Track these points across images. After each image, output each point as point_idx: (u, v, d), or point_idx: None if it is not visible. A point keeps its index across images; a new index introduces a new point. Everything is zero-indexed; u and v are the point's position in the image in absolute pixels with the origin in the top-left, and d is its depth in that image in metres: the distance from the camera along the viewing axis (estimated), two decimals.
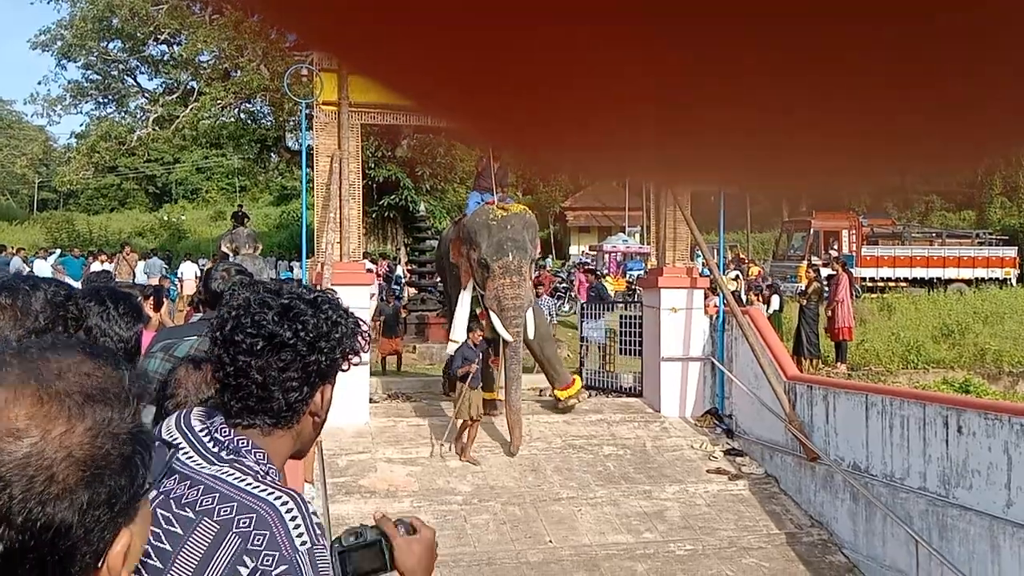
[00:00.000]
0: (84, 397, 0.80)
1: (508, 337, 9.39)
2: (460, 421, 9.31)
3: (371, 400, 10.69)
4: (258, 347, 1.45)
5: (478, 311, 9.91)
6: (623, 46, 0.29)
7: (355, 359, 1.56)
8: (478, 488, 8.94)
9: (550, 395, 10.95)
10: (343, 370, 1.57)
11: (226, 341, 1.47)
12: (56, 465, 0.76)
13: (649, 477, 9.62)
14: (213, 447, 1.47)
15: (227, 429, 1.49)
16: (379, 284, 19.11)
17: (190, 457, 1.46)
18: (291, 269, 19.74)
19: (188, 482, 1.41)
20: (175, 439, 1.49)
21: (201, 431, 1.49)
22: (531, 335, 9.82)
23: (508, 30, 0.29)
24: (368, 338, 1.61)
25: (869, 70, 0.29)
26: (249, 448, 1.47)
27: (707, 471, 9.91)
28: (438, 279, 17.09)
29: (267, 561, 1.34)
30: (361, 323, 1.60)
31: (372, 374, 13.01)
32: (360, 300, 10.23)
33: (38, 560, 0.75)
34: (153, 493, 1.40)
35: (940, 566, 7.58)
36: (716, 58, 0.29)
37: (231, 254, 14.98)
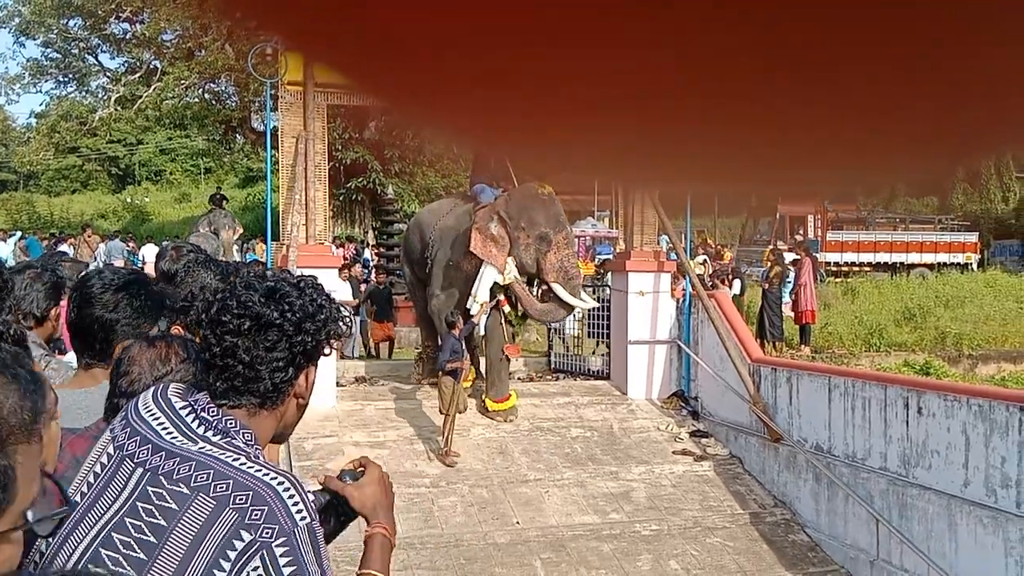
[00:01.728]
0: None
1: (581, 303, 9.64)
2: (448, 416, 9.01)
3: (338, 383, 10.63)
4: (245, 327, 1.46)
5: (500, 297, 9.70)
6: (600, 42, 0.28)
7: (337, 343, 1.59)
8: (445, 471, 8.94)
9: (480, 400, 10.25)
10: (325, 354, 1.59)
11: (212, 322, 1.47)
12: None
13: (616, 458, 9.69)
14: (198, 426, 1.46)
15: (214, 409, 1.48)
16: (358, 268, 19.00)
17: (171, 435, 1.45)
18: (253, 251, 19.52)
19: (177, 459, 1.40)
20: (153, 414, 1.48)
21: (183, 408, 1.48)
22: (591, 303, 10.12)
23: (479, 23, 0.28)
24: (350, 324, 1.62)
25: (853, 69, 0.29)
26: (238, 428, 1.47)
27: (673, 452, 10.00)
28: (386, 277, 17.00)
29: (266, 533, 1.35)
30: (343, 309, 1.62)
31: (359, 357, 12.99)
32: (326, 282, 10.15)
33: None
34: (139, 471, 1.40)
35: (900, 544, 7.74)
36: (696, 57, 0.28)
37: (212, 235, 14.78)
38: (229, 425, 1.47)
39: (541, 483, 8.97)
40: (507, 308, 9.72)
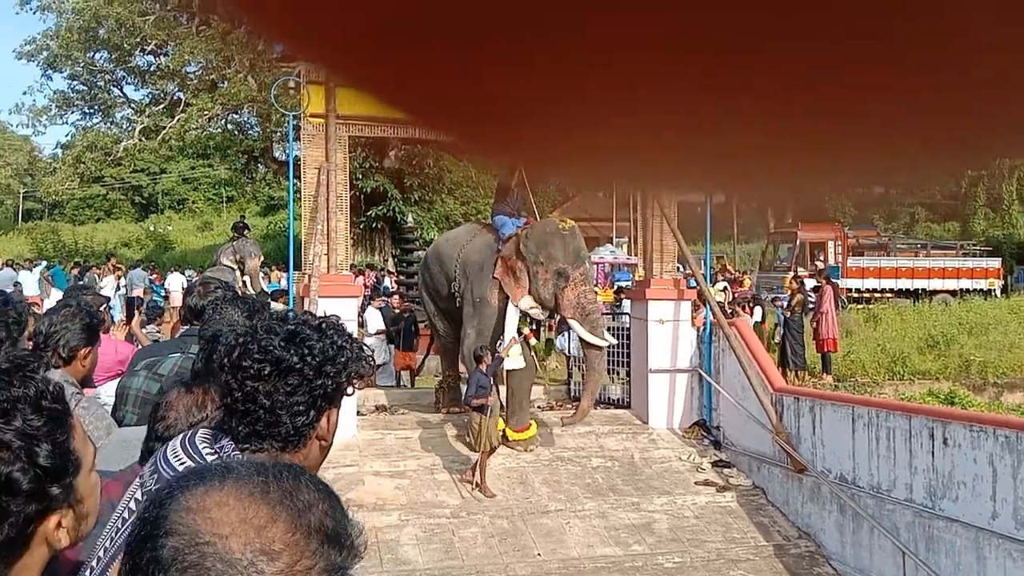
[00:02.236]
0: (325, 536, 0.82)
1: (600, 342, 9.42)
2: (484, 453, 8.96)
3: (358, 412, 10.64)
4: (265, 372, 1.47)
5: (526, 330, 9.75)
6: (616, 52, 0.29)
7: (359, 383, 1.58)
8: (466, 501, 8.91)
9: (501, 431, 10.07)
10: (348, 394, 1.59)
11: (234, 367, 1.49)
12: None
13: (637, 489, 9.62)
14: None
15: (238, 455, 1.49)
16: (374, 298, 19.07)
17: None
18: (279, 280, 19.64)
19: None
20: (180, 460, 1.49)
21: (209, 454, 1.49)
22: (611, 340, 10.02)
23: (497, 38, 0.29)
24: (372, 363, 1.63)
25: (855, 77, 0.29)
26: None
27: (695, 483, 9.91)
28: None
29: None
30: (365, 348, 1.62)
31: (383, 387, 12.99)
32: (347, 312, 10.21)
33: None
34: None
35: None
36: (703, 64, 0.29)
37: (235, 267, 14.77)
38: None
39: (562, 514, 8.92)
40: (533, 340, 9.72)
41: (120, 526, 1.46)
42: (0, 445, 1.11)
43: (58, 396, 1.22)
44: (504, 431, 10.03)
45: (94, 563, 1.40)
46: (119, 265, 20.78)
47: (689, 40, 0.28)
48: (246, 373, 1.47)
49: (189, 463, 1.48)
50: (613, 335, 12.36)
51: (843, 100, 0.31)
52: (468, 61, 0.31)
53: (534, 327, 9.73)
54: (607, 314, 14.58)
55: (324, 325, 1.55)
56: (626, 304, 13.32)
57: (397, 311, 14.20)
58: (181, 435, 1.59)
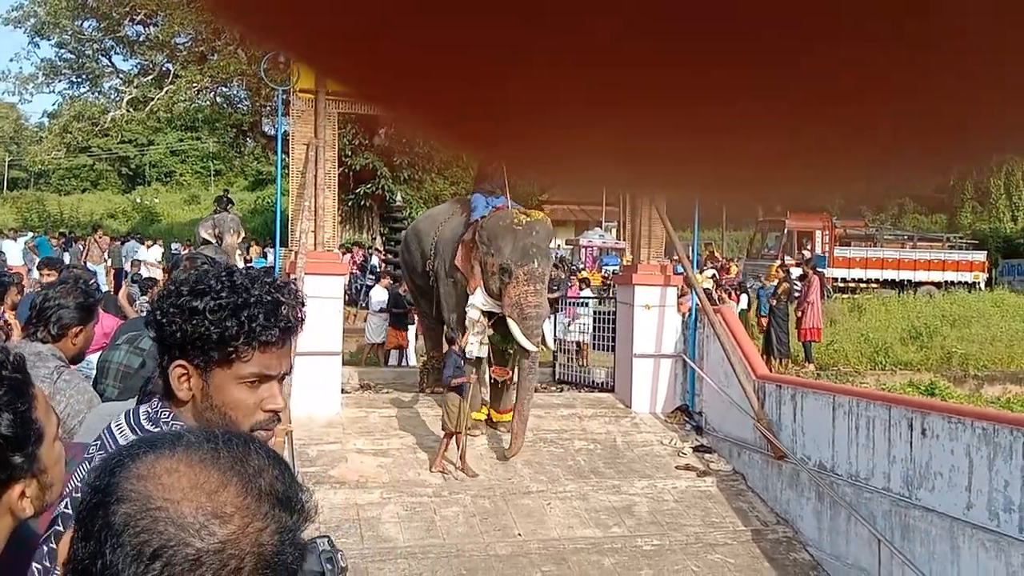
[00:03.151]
0: (276, 500, 0.83)
1: (530, 347, 8.93)
2: (455, 434, 8.87)
3: (343, 390, 10.65)
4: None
5: (486, 320, 9.37)
6: (604, 52, 0.29)
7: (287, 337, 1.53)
8: (448, 480, 8.95)
9: (486, 414, 10.18)
10: (261, 352, 1.50)
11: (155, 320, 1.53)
12: (246, 558, 0.78)
13: (618, 472, 9.68)
14: (150, 426, 1.49)
15: (166, 411, 1.51)
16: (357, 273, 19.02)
17: (125, 437, 1.48)
18: (265, 256, 19.57)
19: None
20: (121, 429, 1.51)
21: (145, 419, 1.51)
22: (551, 344, 9.53)
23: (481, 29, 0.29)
24: (299, 319, 1.56)
25: (846, 76, 0.29)
26: (168, 420, 1.49)
27: (676, 467, 9.99)
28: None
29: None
30: (294, 295, 1.55)
31: (367, 364, 12.99)
32: (333, 290, 10.20)
33: None
34: None
35: (902, 566, 7.71)
36: (690, 65, 0.29)
37: (214, 240, 14.60)
38: (161, 417, 1.49)
39: (543, 495, 8.97)
40: (490, 331, 9.51)
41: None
42: None
43: (19, 366, 1.22)
44: (489, 414, 10.09)
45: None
46: (104, 236, 20.62)
47: (682, 43, 0.28)
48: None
49: (129, 435, 1.49)
50: (601, 319, 12.45)
51: (840, 102, 0.31)
52: (451, 56, 0.31)
53: (491, 320, 9.40)
54: (594, 298, 14.64)
55: (223, 282, 1.48)
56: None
57: (401, 292, 14.23)
58: (129, 409, 1.60)
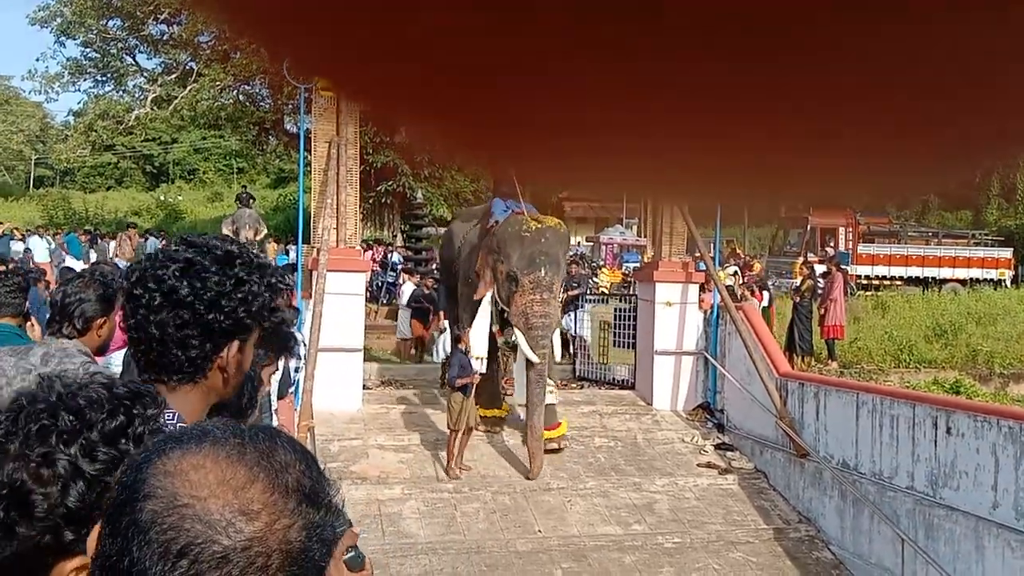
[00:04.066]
0: (303, 496, 0.82)
1: (534, 358, 8.63)
2: (455, 432, 8.84)
3: (364, 386, 10.71)
4: (156, 303, 1.42)
5: (493, 328, 9.31)
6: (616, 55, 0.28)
7: (276, 317, 1.55)
8: (469, 477, 8.97)
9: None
10: (263, 328, 1.53)
11: (128, 294, 1.46)
12: (272, 555, 0.77)
13: (639, 469, 9.66)
14: None
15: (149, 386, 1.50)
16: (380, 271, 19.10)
17: None
18: (287, 253, 19.69)
19: None
20: None
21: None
22: (557, 357, 9.33)
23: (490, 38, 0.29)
24: (288, 298, 1.59)
25: (862, 74, 0.29)
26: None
27: (697, 465, 9.96)
28: (434, 267, 16.99)
29: None
30: (279, 284, 1.56)
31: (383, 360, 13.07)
32: (355, 286, 10.25)
33: None
34: None
35: (926, 565, 7.64)
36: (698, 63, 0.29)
37: (232, 236, 14.86)
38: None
39: (564, 492, 8.97)
40: (500, 339, 9.40)
41: None
42: (47, 462, 1.07)
43: (78, 409, 1.12)
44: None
45: None
46: (135, 234, 20.91)
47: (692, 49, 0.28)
48: (138, 302, 1.43)
49: None
50: (622, 316, 12.41)
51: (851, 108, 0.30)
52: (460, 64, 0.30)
53: (499, 327, 9.28)
54: (614, 295, 14.62)
55: (231, 255, 1.48)
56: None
57: (428, 291, 14.57)
58: None
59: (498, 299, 9.03)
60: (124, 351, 3.37)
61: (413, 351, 14.62)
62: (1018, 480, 6.87)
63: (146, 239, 20.85)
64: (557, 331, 9.08)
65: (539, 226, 8.91)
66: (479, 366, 9.03)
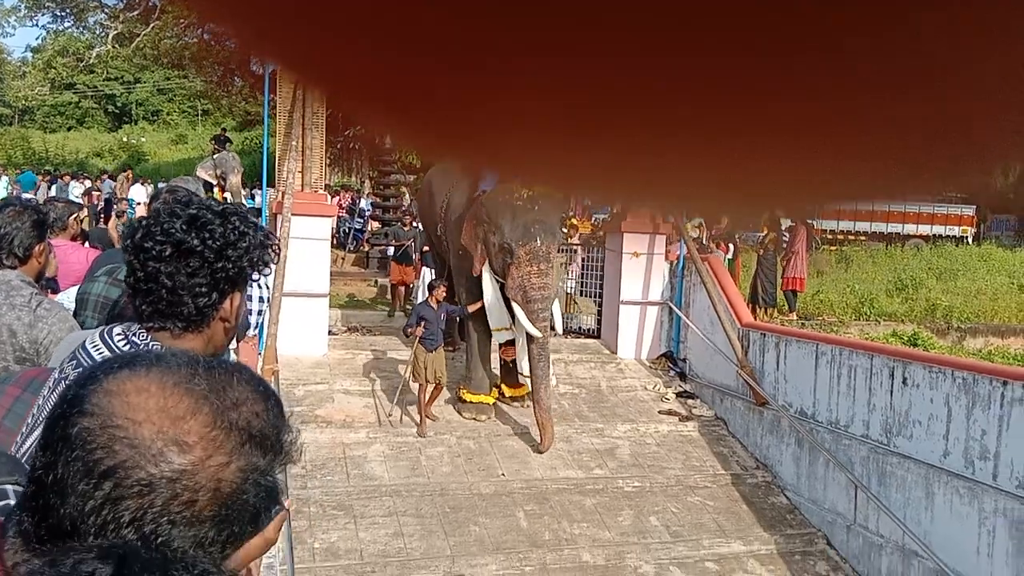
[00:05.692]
0: (247, 435, 0.79)
1: (535, 332, 8.33)
2: (417, 384, 8.76)
3: (331, 332, 10.68)
4: (167, 253, 1.50)
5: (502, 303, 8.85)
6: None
7: (266, 270, 1.63)
8: (434, 422, 9.03)
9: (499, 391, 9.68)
10: (252, 279, 1.64)
11: (136, 248, 1.52)
12: (200, 492, 0.75)
13: (602, 416, 9.80)
14: (128, 349, 1.51)
15: (144, 333, 1.54)
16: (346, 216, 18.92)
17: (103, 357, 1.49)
18: (252, 197, 19.43)
19: None
20: (96, 347, 1.53)
21: (118, 337, 1.54)
22: (558, 328, 9.03)
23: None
24: (278, 251, 1.68)
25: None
26: (147, 343, 1.53)
27: (659, 412, 10.11)
28: (403, 214, 16.75)
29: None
30: (271, 236, 1.66)
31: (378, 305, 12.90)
32: (320, 231, 10.15)
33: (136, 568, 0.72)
34: None
35: (877, 510, 7.88)
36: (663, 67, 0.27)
37: (214, 181, 14.24)
38: (139, 338, 1.53)
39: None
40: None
41: (41, 403, 1.49)
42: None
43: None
44: (502, 389, 9.59)
45: (17, 439, 1.43)
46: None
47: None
48: (148, 254, 1.51)
49: (105, 352, 1.51)
50: (589, 266, 12.44)
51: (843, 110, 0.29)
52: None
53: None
54: (581, 244, 14.64)
55: (227, 211, 1.58)
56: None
57: (407, 229, 13.95)
58: (102, 327, 1.62)
59: (496, 272, 8.68)
60: (76, 288, 3.33)
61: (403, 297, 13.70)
62: (969, 429, 7.06)
63: (103, 180, 20.43)
64: (557, 302, 8.81)
65: (531, 193, 8.49)
66: (504, 337, 8.82)
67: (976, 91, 0.28)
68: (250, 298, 3.32)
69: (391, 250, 14.18)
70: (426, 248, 11.97)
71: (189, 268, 1.51)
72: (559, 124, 0.30)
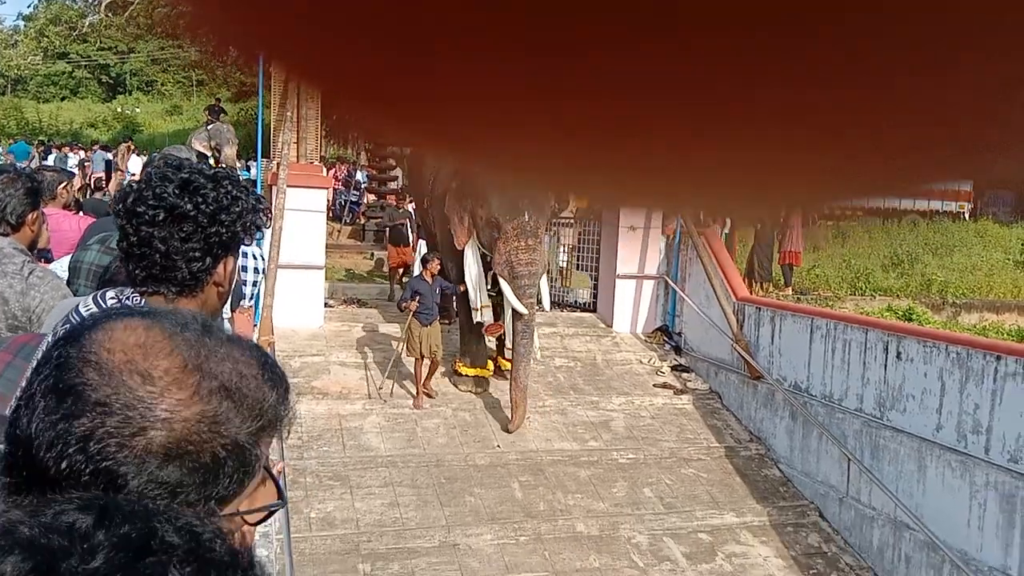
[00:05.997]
0: (220, 386, 0.78)
1: (522, 309, 8.18)
2: (412, 359, 8.74)
3: (327, 304, 10.68)
4: (160, 218, 1.50)
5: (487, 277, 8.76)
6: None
7: (258, 234, 1.65)
8: (431, 398, 9.05)
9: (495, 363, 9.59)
10: (245, 244, 1.65)
11: (129, 212, 1.52)
12: (155, 424, 0.74)
13: (597, 389, 9.83)
14: None
15: (138, 297, 1.55)
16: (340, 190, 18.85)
17: None
18: (248, 168, 19.34)
19: None
20: (89, 310, 1.53)
21: (112, 301, 1.55)
22: (545, 306, 8.91)
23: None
24: (270, 215, 1.70)
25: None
26: (141, 304, 1.53)
27: (654, 385, 10.15)
28: (398, 194, 16.58)
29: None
30: (262, 200, 1.66)
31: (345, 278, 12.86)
32: (316, 203, 10.11)
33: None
34: None
35: (869, 483, 7.94)
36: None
37: (210, 153, 14.06)
38: (132, 300, 1.54)
39: None
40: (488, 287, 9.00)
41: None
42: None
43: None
44: (498, 362, 9.52)
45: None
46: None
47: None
48: (141, 219, 1.50)
49: (95, 310, 1.52)
50: (586, 240, 12.42)
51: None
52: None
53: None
54: (575, 219, 14.59)
55: (218, 175, 1.58)
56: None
57: (400, 209, 13.66)
58: (95, 292, 1.62)
59: (483, 246, 8.54)
60: (69, 257, 3.31)
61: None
62: (962, 403, 7.10)
63: (93, 151, 20.31)
64: (544, 278, 8.67)
65: None
66: (481, 317, 8.71)
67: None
68: (245, 268, 3.32)
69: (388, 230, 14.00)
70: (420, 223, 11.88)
71: (183, 233, 1.51)
72: (559, 124, 0.30)
